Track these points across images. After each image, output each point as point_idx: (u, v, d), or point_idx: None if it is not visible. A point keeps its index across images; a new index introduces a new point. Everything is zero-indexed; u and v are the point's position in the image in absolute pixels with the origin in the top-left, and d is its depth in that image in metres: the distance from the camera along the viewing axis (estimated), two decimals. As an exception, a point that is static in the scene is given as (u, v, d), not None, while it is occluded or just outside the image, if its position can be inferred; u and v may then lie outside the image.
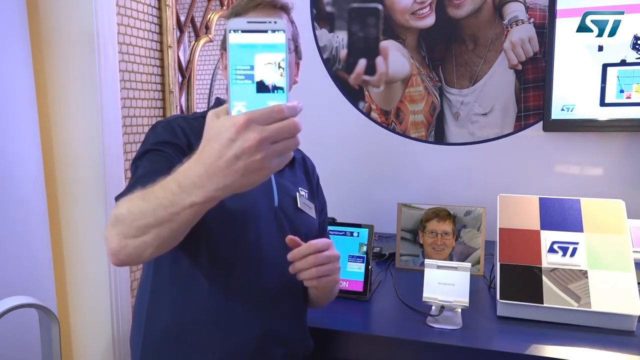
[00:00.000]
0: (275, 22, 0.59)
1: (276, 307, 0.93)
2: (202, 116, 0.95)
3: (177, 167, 0.63)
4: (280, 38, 0.59)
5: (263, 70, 0.59)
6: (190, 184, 0.60)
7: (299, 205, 1.00)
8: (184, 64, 1.84)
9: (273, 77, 0.59)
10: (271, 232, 0.94)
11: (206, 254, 0.88)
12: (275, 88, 0.59)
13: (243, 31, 0.59)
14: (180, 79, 1.80)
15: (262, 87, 0.59)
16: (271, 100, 0.59)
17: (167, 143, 0.88)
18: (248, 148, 0.55)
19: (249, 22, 0.59)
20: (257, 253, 0.91)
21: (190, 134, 0.90)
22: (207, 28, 1.92)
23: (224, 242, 0.89)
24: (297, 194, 1.02)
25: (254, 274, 0.91)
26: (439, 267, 1.14)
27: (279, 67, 0.59)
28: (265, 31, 0.59)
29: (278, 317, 0.93)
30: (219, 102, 1.00)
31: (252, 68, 0.59)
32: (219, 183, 0.57)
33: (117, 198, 0.78)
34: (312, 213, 1.04)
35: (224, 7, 2.01)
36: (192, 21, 1.85)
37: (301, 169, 1.10)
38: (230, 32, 0.58)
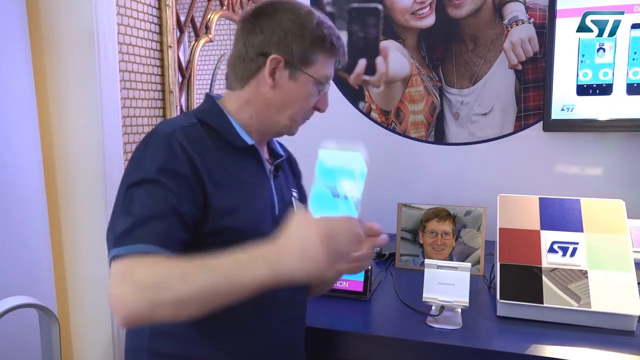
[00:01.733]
0: (355, 151, 0.81)
1: (284, 313, 0.94)
2: (199, 120, 0.90)
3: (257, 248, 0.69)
4: (359, 165, 0.80)
5: (342, 183, 0.77)
6: (287, 272, 0.67)
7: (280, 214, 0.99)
8: (184, 64, 1.84)
9: (348, 189, 0.77)
10: None
11: None
12: (348, 197, 0.76)
13: (329, 149, 0.80)
14: (180, 79, 1.80)
15: (339, 196, 0.76)
16: (344, 207, 0.75)
17: (171, 174, 0.79)
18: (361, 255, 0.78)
19: (337, 145, 0.81)
20: None
21: (191, 149, 0.83)
22: (207, 28, 1.92)
23: None
24: (292, 198, 1.02)
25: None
26: (439, 267, 1.14)
27: (353, 182, 0.77)
28: (346, 157, 0.80)
29: (286, 324, 0.94)
30: (211, 100, 0.95)
31: (334, 181, 0.76)
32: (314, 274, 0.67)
33: (120, 244, 0.72)
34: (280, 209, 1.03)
35: (224, 7, 2.01)
36: (192, 21, 1.85)
37: (289, 169, 1.10)
38: (322, 149, 0.78)
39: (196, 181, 0.82)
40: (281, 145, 1.08)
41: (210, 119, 0.91)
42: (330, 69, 0.95)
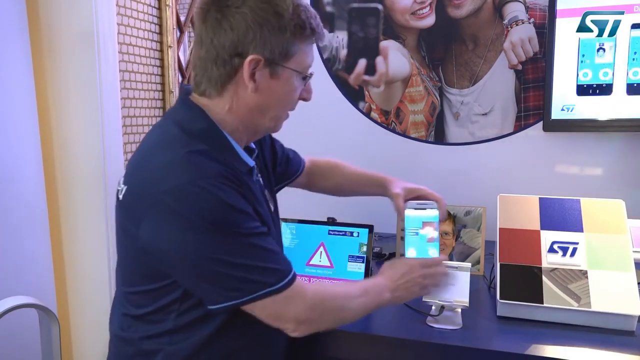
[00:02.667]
0: (431, 204, 1.08)
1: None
2: (202, 144, 0.81)
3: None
4: (434, 213, 1.06)
5: (425, 230, 1.05)
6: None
7: (271, 208, 1.00)
8: (184, 64, 1.84)
9: (431, 234, 1.04)
10: None
11: None
12: (433, 240, 1.04)
13: (414, 208, 1.07)
14: (180, 79, 1.80)
15: (425, 240, 1.04)
16: (431, 248, 1.04)
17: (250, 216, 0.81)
18: (429, 277, 1.01)
19: (418, 203, 1.08)
20: None
21: (236, 184, 0.81)
22: (207, 28, 1.92)
23: None
24: (266, 193, 0.99)
25: None
26: (439, 267, 1.14)
27: (434, 229, 1.04)
28: (425, 209, 1.07)
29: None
30: (201, 114, 0.85)
31: (418, 229, 1.05)
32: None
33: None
34: (273, 203, 1.03)
35: (224, 7, 2.01)
36: (192, 21, 1.85)
37: (261, 161, 1.04)
38: (407, 208, 1.08)
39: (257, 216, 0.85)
40: None
41: (213, 143, 0.83)
42: (312, 55, 0.87)
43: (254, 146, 0.98)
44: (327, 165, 1.28)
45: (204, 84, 0.85)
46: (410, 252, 1.04)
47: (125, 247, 0.86)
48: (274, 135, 1.10)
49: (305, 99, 0.91)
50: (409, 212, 1.07)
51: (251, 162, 0.90)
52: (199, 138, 0.81)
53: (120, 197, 0.84)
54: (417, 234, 1.05)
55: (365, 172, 1.26)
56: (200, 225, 0.74)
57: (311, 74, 0.90)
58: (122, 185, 0.84)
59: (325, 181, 1.27)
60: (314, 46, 0.88)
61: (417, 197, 1.12)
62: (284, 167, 1.16)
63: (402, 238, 1.53)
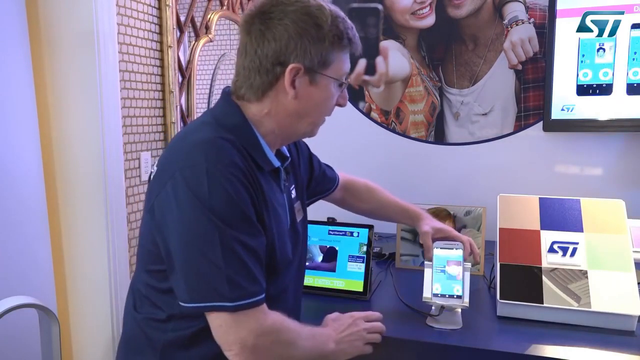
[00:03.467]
0: (457, 244, 1.15)
1: None
2: (231, 136, 0.84)
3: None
4: (459, 253, 1.13)
5: (450, 268, 1.11)
6: (342, 352, 0.94)
7: (297, 218, 1.00)
8: (184, 64, 1.84)
9: (455, 271, 1.11)
10: (294, 262, 0.98)
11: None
12: (457, 279, 1.10)
13: (441, 247, 1.14)
14: (180, 79, 1.80)
15: (450, 276, 1.11)
16: (455, 285, 1.09)
17: (245, 219, 0.80)
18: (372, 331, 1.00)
19: (445, 243, 1.15)
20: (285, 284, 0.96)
21: (248, 181, 0.82)
22: (207, 28, 1.92)
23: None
24: (295, 205, 1.01)
25: (282, 301, 0.95)
26: (439, 267, 1.14)
27: (459, 267, 1.11)
28: (451, 249, 1.13)
29: None
30: (237, 110, 0.89)
31: (444, 266, 1.11)
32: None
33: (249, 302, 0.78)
34: (301, 214, 1.04)
35: (224, 7, 2.01)
36: (192, 21, 1.85)
37: (291, 164, 1.05)
38: (434, 247, 1.15)
39: (257, 218, 0.84)
40: None
41: (242, 137, 0.86)
42: (348, 63, 0.91)
43: (288, 154, 1.00)
44: (365, 188, 1.30)
45: (245, 89, 0.88)
46: (436, 288, 1.10)
47: (145, 225, 0.88)
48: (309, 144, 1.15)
49: (340, 105, 0.95)
50: (436, 252, 1.13)
51: (277, 163, 0.91)
52: (230, 130, 0.85)
53: (151, 177, 0.89)
54: (443, 271, 1.11)
55: (400, 202, 1.30)
56: (199, 207, 0.77)
57: (348, 81, 0.94)
58: (154, 168, 0.89)
59: (361, 203, 1.30)
60: (348, 54, 0.92)
61: (444, 237, 1.19)
62: (319, 182, 1.19)
63: (402, 238, 1.54)
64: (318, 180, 1.18)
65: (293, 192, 1.03)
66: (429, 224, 1.22)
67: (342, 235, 1.32)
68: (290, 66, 0.84)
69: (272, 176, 0.92)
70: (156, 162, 0.92)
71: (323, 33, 0.84)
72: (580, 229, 1.18)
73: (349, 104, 1.93)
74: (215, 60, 2.20)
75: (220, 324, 0.78)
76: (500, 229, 1.23)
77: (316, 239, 1.33)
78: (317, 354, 0.90)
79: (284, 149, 1.01)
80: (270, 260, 0.87)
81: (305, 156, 1.13)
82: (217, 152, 0.80)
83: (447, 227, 1.23)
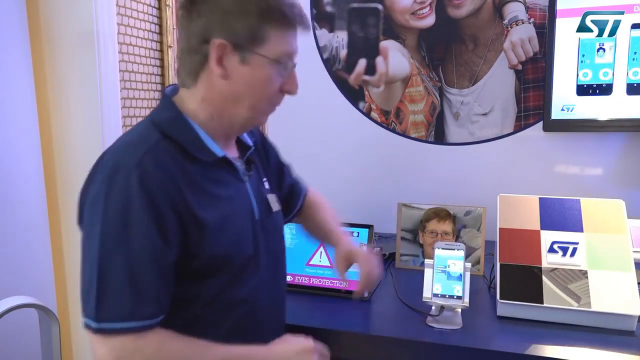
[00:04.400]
0: (458, 245, 1.15)
1: (269, 325, 0.94)
2: (162, 133, 0.80)
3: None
4: (460, 253, 1.13)
5: (451, 267, 1.12)
6: None
7: (272, 209, 0.96)
8: (184, 64, 1.84)
9: (456, 270, 1.11)
10: (260, 250, 0.91)
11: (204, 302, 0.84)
12: (457, 277, 1.11)
13: (442, 248, 1.15)
14: (180, 79, 1.80)
15: (451, 277, 1.12)
16: (456, 285, 1.10)
17: (146, 227, 0.74)
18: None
19: (446, 244, 1.15)
20: (254, 279, 0.89)
21: (166, 183, 0.76)
22: (207, 28, 1.92)
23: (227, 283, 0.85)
24: (267, 196, 0.96)
25: (250, 304, 0.89)
26: (439, 267, 1.14)
27: (460, 267, 1.12)
28: (453, 249, 1.14)
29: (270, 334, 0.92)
30: (168, 102, 0.86)
31: (445, 266, 1.12)
32: None
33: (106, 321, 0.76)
34: (277, 206, 0.99)
35: (224, 7, 2.01)
36: (192, 21, 1.85)
37: (258, 154, 1.00)
38: (436, 248, 1.15)
39: (178, 223, 0.77)
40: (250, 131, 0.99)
41: (173, 131, 0.81)
42: (290, 44, 0.83)
43: (250, 142, 0.96)
44: (314, 205, 1.18)
45: (184, 74, 0.85)
46: (436, 288, 1.11)
47: None
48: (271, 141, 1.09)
49: (289, 92, 0.87)
50: (437, 252, 1.15)
51: (220, 153, 0.85)
52: (159, 125, 0.82)
53: None
54: (443, 271, 1.12)
55: (327, 224, 1.15)
56: (91, 217, 0.77)
57: (292, 64, 0.85)
58: None
59: (305, 221, 1.19)
60: (296, 35, 0.85)
61: (350, 263, 1.07)
62: (287, 192, 1.11)
63: (402, 238, 1.54)
64: (286, 190, 1.10)
65: (266, 184, 0.97)
66: (342, 250, 1.07)
67: (342, 235, 1.32)
68: (214, 42, 0.78)
69: (220, 166, 0.86)
70: None
71: (248, 5, 0.78)
72: (580, 229, 1.18)
73: (349, 104, 1.93)
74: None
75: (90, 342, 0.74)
76: (500, 229, 1.23)
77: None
78: None
79: (247, 139, 0.96)
80: (215, 260, 0.81)
81: (273, 155, 1.07)
82: (133, 150, 0.77)
83: (357, 253, 1.07)
